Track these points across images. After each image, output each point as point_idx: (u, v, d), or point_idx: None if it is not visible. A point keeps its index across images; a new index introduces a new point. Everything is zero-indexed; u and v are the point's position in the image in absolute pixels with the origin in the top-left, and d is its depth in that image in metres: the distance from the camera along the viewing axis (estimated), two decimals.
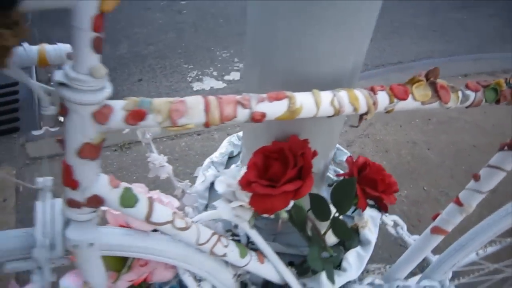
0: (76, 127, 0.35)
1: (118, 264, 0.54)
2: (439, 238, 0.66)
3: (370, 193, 0.56)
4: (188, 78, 2.04)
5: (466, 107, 0.45)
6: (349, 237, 0.55)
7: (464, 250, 0.69)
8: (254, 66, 0.52)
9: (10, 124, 1.55)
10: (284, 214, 0.54)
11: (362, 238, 0.68)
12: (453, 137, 1.76)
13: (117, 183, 0.42)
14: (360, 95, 0.40)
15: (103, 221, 0.51)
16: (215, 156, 0.79)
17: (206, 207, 0.76)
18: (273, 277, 0.61)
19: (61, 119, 0.36)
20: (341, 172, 0.77)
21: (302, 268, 0.64)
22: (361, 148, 1.62)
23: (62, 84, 0.32)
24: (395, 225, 0.80)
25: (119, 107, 0.35)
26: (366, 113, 0.41)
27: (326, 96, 0.39)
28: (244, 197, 0.55)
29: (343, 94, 0.40)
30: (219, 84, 2.01)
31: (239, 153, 0.82)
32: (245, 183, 0.48)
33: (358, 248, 0.67)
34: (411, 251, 0.70)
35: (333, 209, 0.58)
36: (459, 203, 0.61)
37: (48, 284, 0.44)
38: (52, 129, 1.48)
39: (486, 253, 0.88)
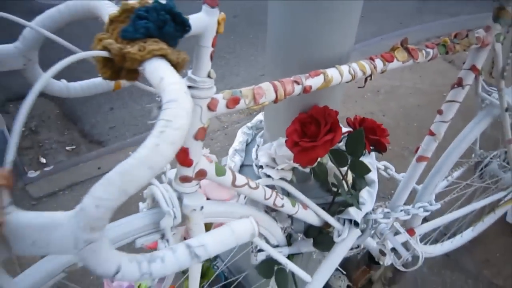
0: (195, 116, 0.50)
1: None
2: (423, 165, 0.88)
3: (372, 138, 0.76)
4: (157, 98, 2.15)
5: (428, 60, 0.67)
6: (368, 171, 0.74)
7: (440, 173, 0.92)
8: (276, 58, 0.69)
9: None
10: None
11: (367, 180, 0.88)
12: (400, 102, 2.05)
13: (210, 159, 0.58)
14: (365, 63, 0.59)
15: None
16: (236, 145, 0.95)
17: None
18: (314, 220, 0.79)
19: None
20: None
21: (330, 211, 0.83)
22: None
23: (189, 87, 0.48)
24: (386, 168, 1.01)
25: (221, 97, 0.51)
26: (370, 75, 0.61)
27: (345, 68, 0.58)
28: (285, 160, 0.72)
29: (354, 65, 0.59)
30: None
31: (252, 140, 0.99)
32: (291, 144, 0.66)
33: (367, 188, 0.87)
34: (404, 181, 0.92)
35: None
36: (432, 133, 0.83)
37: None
38: (47, 168, 1.62)
39: (453, 178, 1.12)
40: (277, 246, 0.83)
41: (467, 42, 0.68)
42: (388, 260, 0.94)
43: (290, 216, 0.80)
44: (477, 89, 0.84)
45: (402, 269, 0.91)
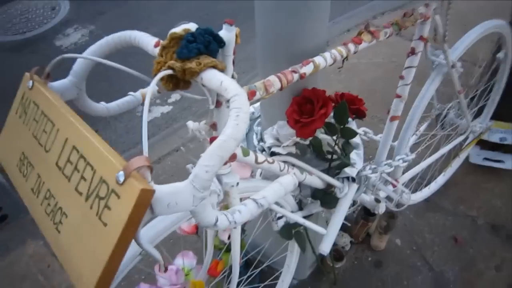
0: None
1: None
2: (395, 124, 1.06)
3: (353, 108, 0.92)
4: (137, 113, 2.24)
5: (387, 38, 0.83)
6: (355, 134, 0.90)
7: (410, 128, 1.10)
8: (266, 52, 0.84)
9: None
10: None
11: (354, 144, 1.05)
12: (361, 77, 2.26)
13: None
14: (342, 48, 0.75)
15: None
16: None
17: None
18: (318, 184, 0.94)
19: None
20: None
21: (329, 174, 0.99)
22: None
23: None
24: (365, 133, 1.19)
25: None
26: (346, 57, 0.77)
27: (327, 54, 0.73)
28: (288, 137, 0.87)
29: (334, 51, 0.75)
30: (167, 108, 2.25)
31: (249, 130, 1.13)
32: (293, 122, 0.81)
33: (355, 150, 1.04)
34: (383, 140, 1.09)
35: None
36: (398, 96, 1.00)
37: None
38: None
39: (421, 132, 1.32)
40: (291, 212, 0.98)
41: (414, 18, 0.86)
42: (382, 207, 1.12)
43: (299, 185, 0.95)
44: (426, 54, 1.02)
45: (395, 209, 1.09)
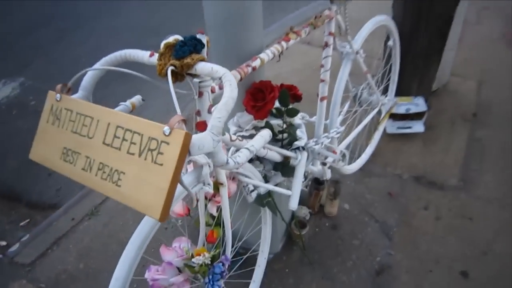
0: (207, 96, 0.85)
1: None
2: (325, 103, 1.34)
3: (291, 93, 1.19)
4: None
5: (306, 35, 1.12)
6: (297, 112, 1.16)
7: (336, 106, 1.40)
8: (220, 56, 1.07)
9: None
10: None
11: (296, 124, 1.31)
12: (287, 82, 2.58)
13: None
14: (278, 45, 1.01)
15: None
16: None
17: None
18: (277, 157, 1.18)
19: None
20: None
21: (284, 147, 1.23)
22: None
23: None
24: (302, 117, 1.46)
25: (216, 84, 0.87)
26: (282, 52, 1.03)
27: (269, 51, 0.99)
28: (247, 122, 1.10)
29: (273, 48, 1.00)
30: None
31: None
32: (250, 108, 1.04)
33: (298, 129, 1.30)
34: (318, 119, 1.37)
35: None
36: (322, 80, 1.29)
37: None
38: (24, 238, 1.88)
39: (345, 110, 1.63)
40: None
41: (323, 19, 1.16)
42: (328, 173, 1.39)
43: (262, 161, 1.18)
44: (335, 45, 1.33)
45: (339, 166, 1.37)
